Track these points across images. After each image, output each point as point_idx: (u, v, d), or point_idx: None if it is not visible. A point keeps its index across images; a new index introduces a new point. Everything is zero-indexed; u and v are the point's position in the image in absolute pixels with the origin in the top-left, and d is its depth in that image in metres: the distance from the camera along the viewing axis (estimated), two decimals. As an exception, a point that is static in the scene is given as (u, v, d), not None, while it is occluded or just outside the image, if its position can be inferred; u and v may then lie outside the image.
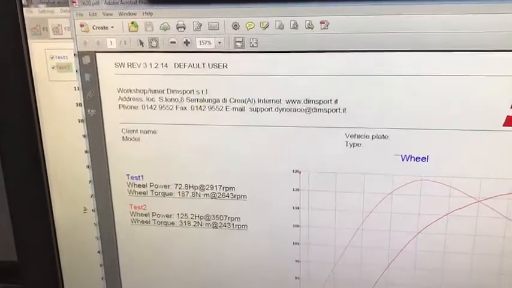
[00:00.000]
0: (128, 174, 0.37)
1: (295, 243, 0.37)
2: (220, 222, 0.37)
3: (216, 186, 0.37)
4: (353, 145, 0.34)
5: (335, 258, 0.37)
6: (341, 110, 0.34)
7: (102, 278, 0.40)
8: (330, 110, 0.34)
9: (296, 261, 0.37)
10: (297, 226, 0.37)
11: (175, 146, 0.36)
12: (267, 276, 0.38)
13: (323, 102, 0.34)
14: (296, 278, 0.38)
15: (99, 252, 0.39)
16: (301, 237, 0.37)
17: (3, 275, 0.45)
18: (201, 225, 0.38)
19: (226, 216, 0.37)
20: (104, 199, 0.38)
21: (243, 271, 0.38)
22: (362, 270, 0.37)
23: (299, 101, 0.34)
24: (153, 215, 0.38)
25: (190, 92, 0.35)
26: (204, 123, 0.35)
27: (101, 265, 0.40)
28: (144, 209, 0.38)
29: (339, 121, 0.34)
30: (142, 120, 0.36)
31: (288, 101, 0.34)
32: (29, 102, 0.36)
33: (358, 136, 0.34)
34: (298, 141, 0.34)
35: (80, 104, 0.36)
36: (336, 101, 0.34)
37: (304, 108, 0.34)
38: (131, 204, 0.38)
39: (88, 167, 0.37)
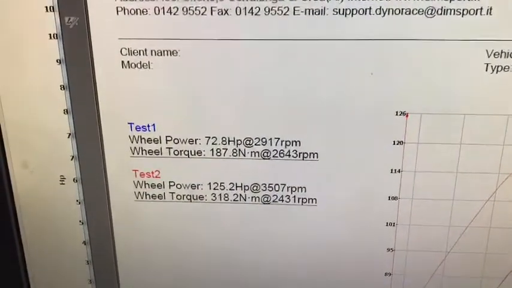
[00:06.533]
0: (131, 123, 0.26)
1: (390, 224, 0.27)
2: (275, 196, 0.26)
3: (270, 139, 0.25)
4: (497, 69, 0.23)
5: (448, 245, 0.27)
6: (484, 12, 0.22)
7: (91, 282, 0.29)
8: (465, 12, 0.22)
9: (389, 250, 0.27)
10: (395, 199, 0.26)
11: (209, 77, 0.24)
12: (345, 273, 0.28)
13: (455, -3, 0.22)
14: (386, 274, 0.28)
15: (84, 243, 0.28)
16: (400, 214, 0.26)
17: None
18: (245, 200, 0.27)
19: (285, 185, 0.26)
20: (91, 162, 0.26)
21: (308, 266, 0.28)
22: (487, 261, 0.27)
23: (417, -3, 0.23)
24: (170, 186, 0.27)
25: (237, -15, 0.23)
26: (257, 36, 0.23)
27: (87, 262, 0.29)
28: (156, 176, 0.27)
29: (478, 30, 0.23)
30: (156, 34, 0.24)
31: (398, -3, 0.23)
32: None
33: (508, 55, 0.23)
34: (407, 65, 0.23)
35: (52, 8, 0.24)
36: (477, -4, 0.22)
37: (425, 8, 0.22)
38: (136, 170, 0.27)
39: (66, 111, 0.26)
